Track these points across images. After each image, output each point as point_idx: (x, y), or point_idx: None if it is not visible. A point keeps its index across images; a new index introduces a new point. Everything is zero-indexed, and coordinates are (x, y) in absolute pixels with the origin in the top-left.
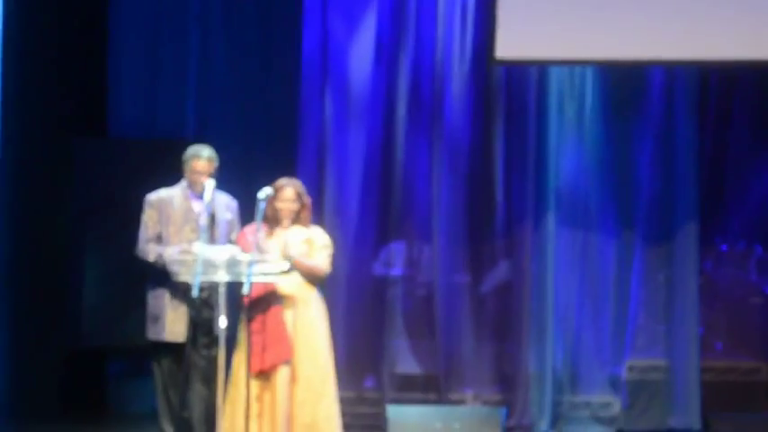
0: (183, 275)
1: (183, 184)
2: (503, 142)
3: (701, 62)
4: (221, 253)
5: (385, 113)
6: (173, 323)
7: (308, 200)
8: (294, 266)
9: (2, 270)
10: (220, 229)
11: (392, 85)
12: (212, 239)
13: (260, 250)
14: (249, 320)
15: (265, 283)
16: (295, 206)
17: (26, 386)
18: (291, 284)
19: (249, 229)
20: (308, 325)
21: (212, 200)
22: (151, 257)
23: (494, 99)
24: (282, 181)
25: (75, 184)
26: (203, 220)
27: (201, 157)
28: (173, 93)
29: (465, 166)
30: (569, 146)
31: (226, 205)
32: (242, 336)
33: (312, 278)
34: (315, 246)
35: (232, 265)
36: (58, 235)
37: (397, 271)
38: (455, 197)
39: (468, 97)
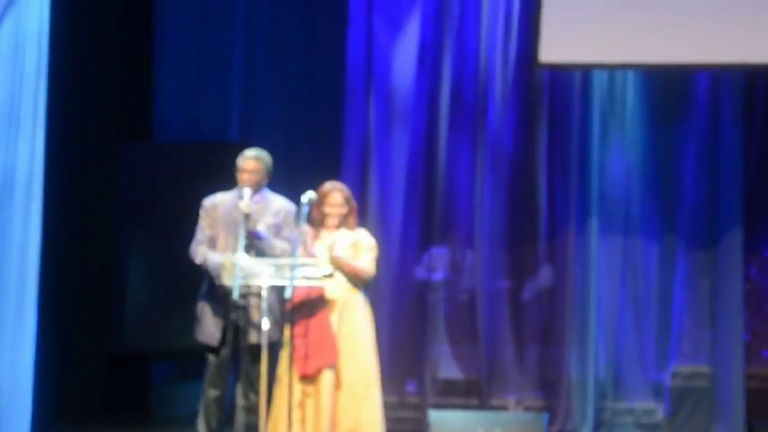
0: (225, 279)
1: (237, 188)
2: (546, 147)
3: (747, 66)
4: (262, 265)
5: (428, 118)
6: (212, 326)
7: (354, 204)
8: (338, 267)
9: (47, 273)
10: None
11: (435, 89)
12: (253, 245)
13: (304, 254)
14: (292, 325)
15: (310, 288)
16: (343, 210)
17: (70, 389)
18: (337, 288)
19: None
20: (353, 329)
21: (251, 206)
22: (198, 260)
23: (537, 103)
24: (329, 186)
25: (121, 188)
26: (241, 230)
27: (245, 156)
28: (217, 97)
29: (508, 170)
30: (613, 151)
31: (277, 209)
32: (286, 340)
33: (356, 280)
34: (360, 248)
35: (275, 269)
36: (103, 238)
37: (439, 275)
38: (498, 202)
39: (512, 101)
